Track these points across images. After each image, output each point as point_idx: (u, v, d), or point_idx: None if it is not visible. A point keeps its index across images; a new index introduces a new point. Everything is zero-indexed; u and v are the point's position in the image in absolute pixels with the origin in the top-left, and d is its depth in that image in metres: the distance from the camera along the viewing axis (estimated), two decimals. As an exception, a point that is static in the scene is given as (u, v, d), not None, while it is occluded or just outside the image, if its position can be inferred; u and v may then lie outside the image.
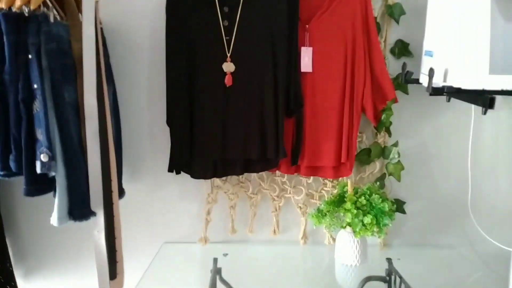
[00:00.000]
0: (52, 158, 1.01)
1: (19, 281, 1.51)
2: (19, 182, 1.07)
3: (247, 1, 1.27)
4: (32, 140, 1.01)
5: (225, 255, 1.41)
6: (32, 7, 1.00)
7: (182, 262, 1.40)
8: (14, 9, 1.00)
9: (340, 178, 1.44)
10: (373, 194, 1.30)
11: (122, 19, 1.37)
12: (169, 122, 1.36)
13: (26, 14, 1.02)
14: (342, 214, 1.30)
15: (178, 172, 1.39)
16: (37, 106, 1.00)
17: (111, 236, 1.24)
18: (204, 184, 1.46)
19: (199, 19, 1.29)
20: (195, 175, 1.38)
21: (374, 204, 1.26)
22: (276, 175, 1.46)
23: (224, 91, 1.31)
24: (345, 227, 1.31)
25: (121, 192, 1.37)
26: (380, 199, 1.29)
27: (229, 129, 1.32)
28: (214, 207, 1.47)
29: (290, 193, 1.46)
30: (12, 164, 1.01)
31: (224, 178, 1.45)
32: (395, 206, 1.34)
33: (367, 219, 1.24)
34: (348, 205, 1.28)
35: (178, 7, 1.29)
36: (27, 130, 1.01)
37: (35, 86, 1.00)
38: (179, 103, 1.33)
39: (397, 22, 1.32)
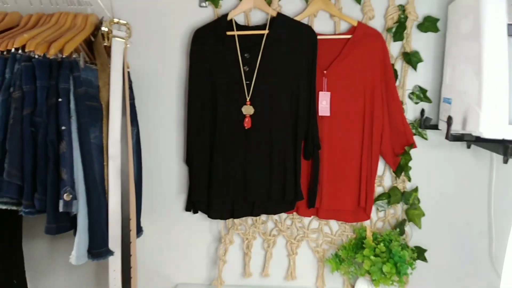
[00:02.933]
0: (74, 197, 1.04)
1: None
2: (41, 220, 1.10)
3: (267, 48, 1.32)
4: (57, 179, 1.04)
5: (240, 299, 1.38)
6: (65, 54, 1.06)
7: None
8: (48, 56, 1.06)
9: (359, 223, 1.41)
10: (393, 241, 1.27)
11: (148, 63, 1.43)
12: (189, 161, 1.39)
13: (59, 60, 1.08)
14: (360, 261, 1.27)
15: (195, 212, 1.40)
16: (64, 146, 1.04)
17: (127, 276, 1.25)
18: (220, 224, 1.46)
19: (221, 64, 1.34)
20: (212, 215, 1.39)
21: (394, 252, 1.23)
22: (293, 217, 1.45)
23: (244, 133, 1.34)
24: (363, 274, 1.27)
25: (139, 231, 1.38)
26: (400, 247, 1.26)
27: (249, 171, 1.34)
28: (229, 249, 1.46)
29: (307, 236, 1.45)
30: (36, 203, 1.04)
31: (241, 218, 1.45)
32: (415, 254, 1.31)
33: (387, 268, 1.20)
34: (366, 251, 1.25)
35: (202, 52, 1.35)
36: (53, 169, 1.04)
37: (63, 127, 1.04)
38: (199, 143, 1.36)
39: (415, 69, 1.34)
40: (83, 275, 1.53)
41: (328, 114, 1.35)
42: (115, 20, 1.22)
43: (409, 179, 1.38)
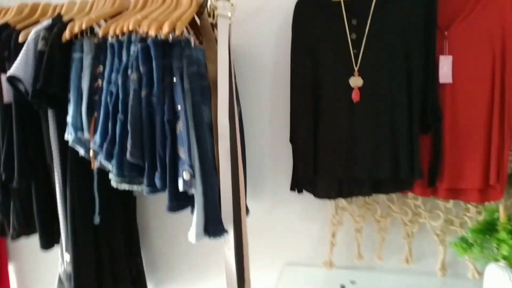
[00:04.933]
0: (193, 175, 1.05)
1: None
2: (154, 198, 1.13)
3: (377, 12, 1.20)
4: (175, 158, 1.06)
5: (353, 282, 1.32)
6: (177, 33, 1.05)
7: (306, 287, 1.34)
8: (161, 36, 1.07)
9: (487, 203, 1.25)
10: (535, 223, 1.11)
11: (247, 40, 1.40)
12: (293, 139, 1.34)
13: (170, 41, 1.08)
14: (494, 245, 1.12)
15: (300, 191, 1.35)
16: (181, 126, 1.04)
17: (240, 255, 1.24)
18: (328, 204, 1.40)
19: (326, 34, 1.26)
20: (319, 194, 1.33)
21: (538, 235, 1.07)
22: (408, 197, 1.33)
23: (351, 107, 1.24)
24: (499, 260, 1.13)
25: (246, 211, 1.38)
26: (543, 229, 1.09)
27: (356, 146, 1.24)
28: (338, 230, 1.40)
29: (425, 218, 1.32)
30: (157, 182, 1.06)
31: (349, 198, 1.37)
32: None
33: (531, 253, 1.05)
34: (503, 234, 1.10)
35: (305, 24, 1.27)
36: (171, 149, 1.06)
37: (179, 107, 1.05)
38: (303, 120, 1.30)
39: (559, 21, 1.13)
40: (195, 252, 1.57)
41: (450, 81, 1.20)
42: (220, -4, 1.19)
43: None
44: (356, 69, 1.24)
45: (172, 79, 1.06)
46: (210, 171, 1.11)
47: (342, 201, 1.38)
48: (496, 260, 1.13)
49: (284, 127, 1.35)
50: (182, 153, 1.04)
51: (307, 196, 1.34)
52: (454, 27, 1.19)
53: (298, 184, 1.34)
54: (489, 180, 1.19)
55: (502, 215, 1.14)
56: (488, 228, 1.18)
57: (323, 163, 1.28)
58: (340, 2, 1.23)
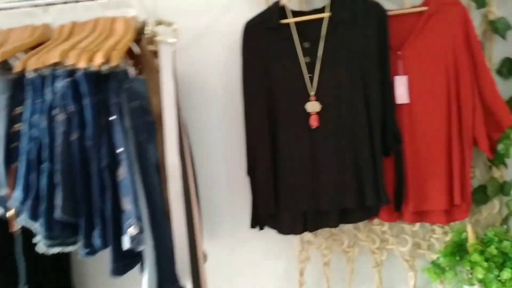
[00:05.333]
0: (142, 229, 0.89)
1: None
2: (94, 258, 0.95)
3: (329, 34, 1.15)
4: (118, 212, 0.89)
5: (326, 322, 1.21)
6: (113, 64, 0.91)
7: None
8: (93, 68, 0.91)
9: (453, 223, 1.22)
10: (504, 241, 1.09)
11: (193, 67, 1.28)
12: (250, 172, 1.22)
13: (105, 71, 0.93)
14: (468, 268, 1.08)
15: (262, 228, 1.23)
16: (123, 172, 0.89)
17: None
18: (292, 240, 1.30)
19: (278, 58, 1.18)
20: (282, 230, 1.22)
21: (510, 255, 1.05)
22: (374, 224, 1.27)
23: (310, 133, 1.16)
24: (474, 284, 1.09)
25: (204, 257, 1.23)
26: (512, 246, 1.07)
27: (319, 176, 1.16)
28: (306, 266, 1.29)
29: (392, 244, 1.26)
30: (96, 241, 0.89)
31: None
32: (531, 254, 1.11)
33: (507, 274, 1.02)
34: (475, 257, 1.07)
35: (255, 47, 1.18)
36: (113, 200, 0.89)
37: (120, 150, 0.89)
38: (260, 150, 1.19)
39: (504, 37, 1.15)
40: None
41: (406, 101, 1.17)
42: (160, 21, 1.06)
43: (506, 166, 1.19)
44: (312, 93, 1.16)
45: (109, 118, 0.90)
46: (162, 221, 0.96)
47: (307, 235, 1.28)
48: (472, 284, 1.09)
49: (240, 159, 1.23)
50: (127, 204, 0.88)
51: (269, 232, 1.22)
52: (407, 46, 1.16)
53: (259, 220, 1.23)
54: (454, 200, 1.16)
55: (470, 236, 1.11)
56: (459, 250, 1.14)
57: (285, 196, 1.18)
58: (290, 24, 1.16)
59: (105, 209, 0.90)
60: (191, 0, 1.25)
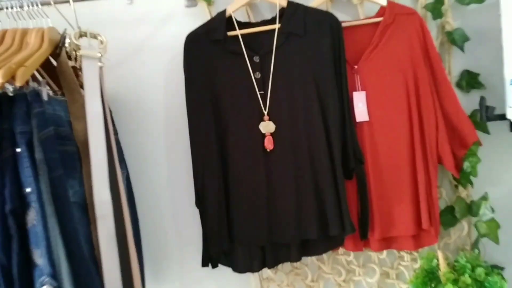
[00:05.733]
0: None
1: None
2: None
3: (281, 47, 1.04)
4: (27, 266, 0.71)
5: None
6: (17, 84, 0.74)
7: None
8: (-7, 89, 0.74)
9: (421, 249, 1.13)
10: (477, 268, 1.00)
11: (129, 85, 1.12)
12: (199, 203, 1.08)
13: (11, 94, 0.76)
14: (441, 299, 0.99)
15: (215, 266, 1.08)
16: (32, 217, 0.71)
17: None
18: (250, 278, 1.15)
19: (226, 74, 1.05)
20: (238, 268, 1.08)
21: (486, 282, 0.96)
22: (339, 254, 1.16)
23: (265, 157, 1.04)
24: (450, 317, 0.99)
25: (147, 305, 1.06)
26: (485, 273, 0.99)
27: (276, 204, 1.04)
28: (266, 306, 1.15)
29: (359, 274, 1.15)
30: (0, 306, 0.70)
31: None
32: (504, 280, 1.04)
33: (484, 306, 0.93)
34: (449, 287, 0.97)
35: (199, 61, 1.05)
36: (20, 252, 0.71)
37: (28, 189, 0.72)
38: (209, 178, 1.06)
39: (462, 49, 1.10)
40: None
41: (366, 118, 1.08)
42: (83, 32, 0.91)
43: (472, 185, 1.12)
44: (265, 112, 1.05)
45: (15, 150, 0.73)
46: (87, 274, 0.79)
47: (266, 271, 1.14)
48: (447, 317, 0.99)
49: (187, 188, 1.08)
50: (38, 258, 0.71)
51: (224, 271, 1.07)
52: (363, 60, 1.08)
53: (211, 257, 1.08)
54: (421, 224, 1.07)
55: (442, 264, 1.02)
56: (430, 278, 1.04)
57: (240, 229, 1.05)
58: (237, 36, 1.04)
59: (11, 266, 0.71)
60: (126, 10, 1.10)
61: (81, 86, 0.88)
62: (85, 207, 0.86)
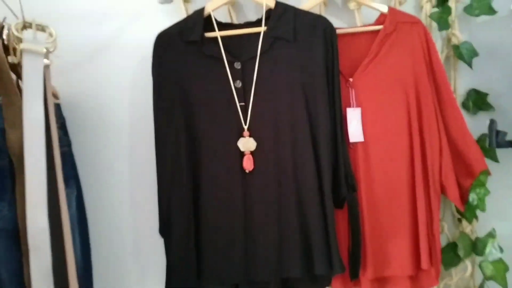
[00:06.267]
0: None
1: None
2: None
3: (266, 52, 0.90)
4: None
5: None
6: None
7: None
8: None
9: (419, 291, 0.99)
10: (485, 318, 0.86)
11: (89, 89, 0.97)
12: (164, 231, 0.92)
13: None
14: None
15: (180, 304, 0.92)
16: None
17: None
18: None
19: (201, 81, 0.91)
20: (206, 308, 0.92)
21: None
22: (325, 294, 1.00)
23: (244, 179, 0.90)
24: None
25: None
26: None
27: (254, 236, 0.89)
28: None
29: (348, 319, 1.00)
30: None
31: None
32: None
33: None
34: None
35: (170, 65, 0.91)
36: None
37: None
38: (176, 202, 0.90)
39: (470, 66, 0.97)
40: None
41: (361, 139, 0.94)
42: (28, 22, 0.75)
43: (477, 219, 0.98)
44: (245, 127, 0.90)
45: None
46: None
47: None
48: None
49: (151, 212, 0.92)
50: None
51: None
52: (359, 72, 0.95)
53: (176, 294, 0.91)
54: (420, 264, 0.93)
55: (444, 311, 0.88)
56: (429, 328, 0.90)
57: (211, 264, 0.90)
58: (216, 38, 0.90)
59: None
60: (89, 3, 0.95)
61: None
62: (16, 235, 0.70)
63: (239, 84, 0.91)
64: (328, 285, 0.93)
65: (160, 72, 0.91)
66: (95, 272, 0.95)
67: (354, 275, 0.92)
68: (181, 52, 0.91)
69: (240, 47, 0.92)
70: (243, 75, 0.91)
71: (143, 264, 1.00)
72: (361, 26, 0.97)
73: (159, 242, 0.91)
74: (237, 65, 0.91)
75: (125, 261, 1.00)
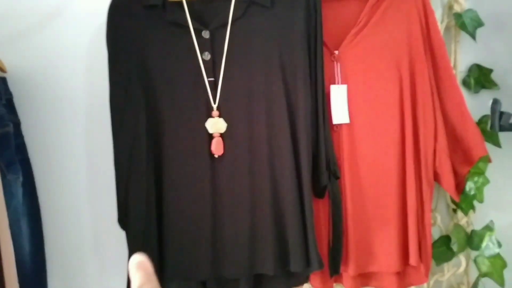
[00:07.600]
0: None
1: None
2: None
3: (239, 20, 0.78)
4: None
5: None
6: None
7: None
8: None
9: None
10: (478, 321, 0.78)
11: (39, 62, 0.86)
12: (123, 221, 0.82)
13: None
14: None
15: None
16: None
17: None
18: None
19: (163, 52, 0.79)
20: (171, 307, 0.84)
21: None
22: (303, 291, 0.92)
23: (212, 165, 0.80)
24: None
25: None
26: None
27: (223, 228, 0.80)
28: None
29: (328, 317, 0.92)
30: None
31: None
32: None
33: None
34: None
35: (127, 33, 0.79)
36: None
37: None
38: (135, 188, 0.80)
39: (474, 37, 0.85)
40: None
41: (346, 121, 0.84)
42: None
43: (474, 209, 0.89)
44: (214, 106, 0.79)
45: None
46: None
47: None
48: None
49: (112, 199, 0.83)
50: None
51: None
52: (346, 44, 0.83)
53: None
54: (409, 259, 0.84)
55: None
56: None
57: (174, 258, 0.81)
58: (181, 2, 0.78)
59: None
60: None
61: None
62: None
63: (207, 56, 0.79)
64: (306, 282, 0.85)
65: (115, 42, 0.79)
66: (51, 265, 0.87)
67: (334, 271, 0.84)
68: (140, 19, 0.79)
69: (209, 13, 0.80)
70: (212, 46, 0.79)
71: (103, 256, 0.91)
72: (349, -9, 0.85)
73: (121, 232, 0.81)
74: (205, 34, 0.79)
75: (84, 252, 0.91)
